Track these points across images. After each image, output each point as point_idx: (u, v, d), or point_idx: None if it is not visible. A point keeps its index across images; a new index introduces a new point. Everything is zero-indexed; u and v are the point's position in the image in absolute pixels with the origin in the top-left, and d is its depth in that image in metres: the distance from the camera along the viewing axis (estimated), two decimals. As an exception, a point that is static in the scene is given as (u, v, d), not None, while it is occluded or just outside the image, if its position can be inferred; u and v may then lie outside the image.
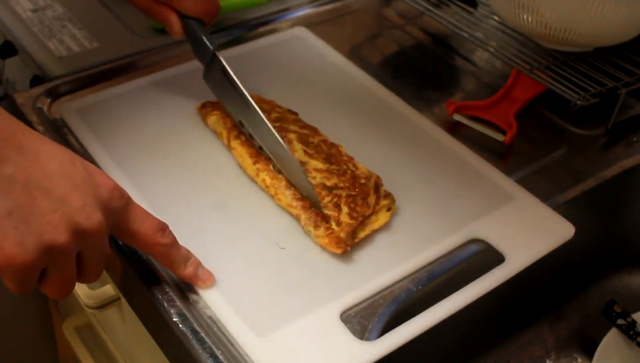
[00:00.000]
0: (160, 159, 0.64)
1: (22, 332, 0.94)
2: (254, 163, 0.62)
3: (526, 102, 0.75)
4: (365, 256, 0.57)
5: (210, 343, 0.50)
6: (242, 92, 0.63)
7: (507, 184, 0.64)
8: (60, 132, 0.67)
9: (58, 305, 0.99)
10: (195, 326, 0.51)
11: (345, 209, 0.58)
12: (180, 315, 0.51)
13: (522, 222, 0.60)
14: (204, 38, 0.65)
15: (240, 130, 0.65)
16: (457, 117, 0.72)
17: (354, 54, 0.82)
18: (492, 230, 0.59)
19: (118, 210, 0.47)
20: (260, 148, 0.62)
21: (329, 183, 0.60)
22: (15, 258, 0.41)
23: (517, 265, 0.57)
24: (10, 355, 0.93)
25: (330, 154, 0.63)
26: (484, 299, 0.54)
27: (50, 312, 0.99)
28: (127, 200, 0.48)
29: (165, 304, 0.52)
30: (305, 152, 0.63)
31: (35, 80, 0.76)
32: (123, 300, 0.63)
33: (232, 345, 0.50)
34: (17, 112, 0.68)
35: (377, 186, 0.61)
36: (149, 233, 0.49)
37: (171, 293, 0.53)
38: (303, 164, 0.61)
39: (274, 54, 0.79)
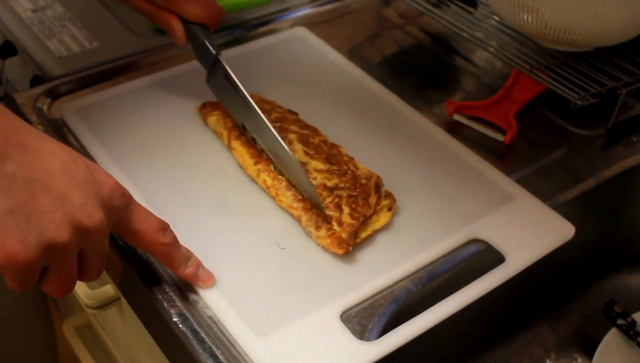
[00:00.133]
0: (160, 159, 0.64)
1: (22, 332, 0.93)
2: (255, 163, 0.62)
3: (526, 102, 0.75)
4: (365, 256, 0.57)
5: (210, 343, 0.50)
6: (245, 97, 0.62)
7: (507, 184, 0.64)
8: (60, 132, 0.67)
9: (58, 305, 0.99)
10: (195, 326, 0.51)
11: (346, 210, 0.57)
12: (180, 315, 0.51)
13: (522, 222, 0.60)
14: (207, 43, 0.65)
15: (242, 132, 0.65)
16: (457, 117, 0.72)
17: (354, 54, 0.82)
18: (492, 230, 0.59)
19: (119, 208, 0.47)
20: (262, 150, 0.62)
21: (329, 184, 0.60)
22: (16, 256, 0.41)
23: (517, 265, 0.57)
24: (10, 355, 0.93)
25: (331, 155, 0.63)
26: (484, 299, 0.54)
27: (50, 312, 0.99)
28: (128, 199, 0.48)
29: (165, 304, 0.52)
30: (305, 152, 0.63)
31: (35, 80, 0.76)
32: (123, 300, 0.63)
33: (232, 345, 0.50)
34: (17, 112, 0.68)
35: (378, 186, 0.61)
36: (150, 232, 0.49)
37: (171, 293, 0.53)
38: (303, 164, 0.61)
39: (274, 54, 0.79)
